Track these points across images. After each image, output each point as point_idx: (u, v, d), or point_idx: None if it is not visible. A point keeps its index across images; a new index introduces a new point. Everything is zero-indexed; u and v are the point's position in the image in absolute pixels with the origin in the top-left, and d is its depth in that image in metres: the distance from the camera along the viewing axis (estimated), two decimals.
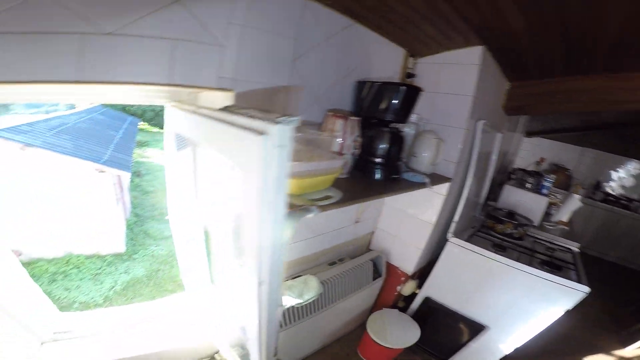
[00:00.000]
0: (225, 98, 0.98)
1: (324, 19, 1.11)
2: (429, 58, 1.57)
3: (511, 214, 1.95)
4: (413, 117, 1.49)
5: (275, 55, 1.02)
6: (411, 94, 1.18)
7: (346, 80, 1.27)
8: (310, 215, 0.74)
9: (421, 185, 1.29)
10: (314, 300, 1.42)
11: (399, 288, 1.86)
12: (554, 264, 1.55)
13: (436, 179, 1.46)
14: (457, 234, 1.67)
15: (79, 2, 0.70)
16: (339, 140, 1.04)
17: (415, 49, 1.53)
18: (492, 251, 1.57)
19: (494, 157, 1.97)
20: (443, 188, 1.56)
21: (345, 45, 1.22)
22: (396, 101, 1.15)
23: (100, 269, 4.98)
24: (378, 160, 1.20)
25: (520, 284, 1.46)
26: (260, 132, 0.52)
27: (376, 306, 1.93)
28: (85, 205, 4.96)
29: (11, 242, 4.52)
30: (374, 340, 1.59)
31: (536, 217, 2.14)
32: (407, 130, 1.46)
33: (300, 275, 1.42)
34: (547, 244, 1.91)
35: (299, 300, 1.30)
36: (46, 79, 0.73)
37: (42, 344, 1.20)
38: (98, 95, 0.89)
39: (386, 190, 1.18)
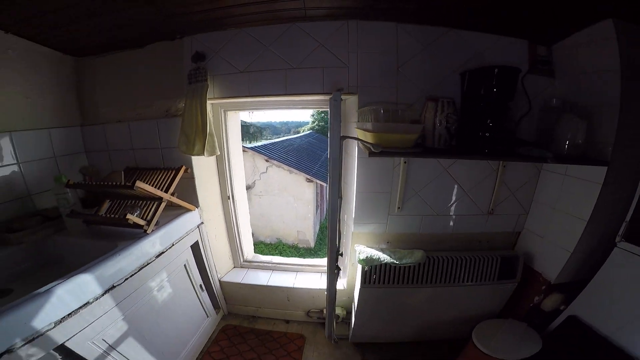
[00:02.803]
0: (353, 99, 1.55)
1: (418, 33, 1.45)
2: (561, 43, 1.47)
3: None
4: (554, 101, 1.43)
5: (383, 67, 1.48)
6: (504, 75, 1.27)
7: (455, 74, 1.47)
8: (375, 151, 1.12)
9: (538, 159, 1.25)
10: (417, 274, 1.60)
11: (536, 299, 1.60)
12: None
13: (581, 161, 1.32)
14: (631, 239, 1.31)
15: (280, 52, 1.51)
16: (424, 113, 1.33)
17: (539, 38, 1.49)
18: None
19: None
20: (597, 174, 1.32)
21: (447, 48, 1.47)
22: (491, 83, 1.28)
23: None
24: (481, 134, 1.32)
25: None
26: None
27: (505, 316, 1.76)
28: (295, 206, 7.15)
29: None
30: (474, 344, 1.49)
31: None
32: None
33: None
34: None
35: (395, 262, 1.55)
36: (273, 93, 1.58)
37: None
38: (290, 104, 1.71)
39: (472, 156, 1.31)
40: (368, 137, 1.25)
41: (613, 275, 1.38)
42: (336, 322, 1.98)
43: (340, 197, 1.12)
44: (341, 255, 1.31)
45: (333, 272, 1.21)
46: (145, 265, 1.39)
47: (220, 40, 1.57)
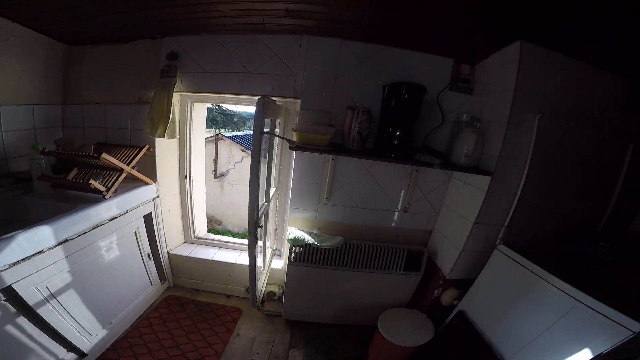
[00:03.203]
0: (298, 102, 1.86)
1: (357, 49, 1.75)
2: (483, 62, 1.72)
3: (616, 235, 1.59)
4: (464, 116, 1.70)
5: (324, 77, 1.79)
6: (411, 91, 1.58)
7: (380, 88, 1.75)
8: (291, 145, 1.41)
9: (426, 164, 1.56)
10: (337, 257, 1.88)
11: (436, 292, 1.88)
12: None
13: (465, 170, 1.62)
14: (510, 244, 1.60)
15: (241, 58, 1.83)
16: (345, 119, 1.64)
17: (464, 57, 1.76)
18: (541, 266, 1.38)
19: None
20: (484, 183, 1.59)
21: (380, 64, 1.76)
22: (400, 96, 1.60)
23: None
24: (391, 141, 1.62)
25: (555, 310, 1.26)
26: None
27: (412, 307, 2.03)
28: None
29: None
30: (378, 330, 1.73)
31: None
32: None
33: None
34: None
35: (317, 243, 1.83)
36: (230, 92, 1.88)
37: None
38: (246, 101, 2.02)
39: (372, 156, 1.62)
40: (294, 135, 1.55)
41: (492, 275, 1.62)
42: (272, 300, 2.22)
43: (258, 177, 1.38)
44: (260, 227, 1.57)
45: (252, 239, 1.46)
46: (98, 226, 1.62)
47: (193, 43, 1.88)
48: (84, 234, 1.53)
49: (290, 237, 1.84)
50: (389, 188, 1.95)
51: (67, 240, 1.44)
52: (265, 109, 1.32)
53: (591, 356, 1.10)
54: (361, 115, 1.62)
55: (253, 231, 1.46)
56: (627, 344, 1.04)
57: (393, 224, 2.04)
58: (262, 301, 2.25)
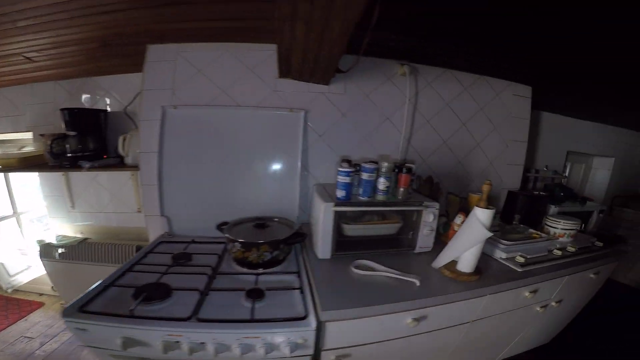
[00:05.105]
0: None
1: (67, 85, 2.23)
2: None
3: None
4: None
5: (47, 111, 2.28)
6: (67, 113, 2.02)
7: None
8: None
9: (80, 168, 1.98)
10: (80, 253, 2.32)
11: None
12: None
13: (131, 168, 2.05)
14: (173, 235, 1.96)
15: None
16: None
17: None
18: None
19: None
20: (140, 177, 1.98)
21: (86, 91, 2.23)
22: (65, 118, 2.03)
23: None
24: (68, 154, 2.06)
25: None
26: None
27: None
28: None
29: None
30: None
31: None
32: None
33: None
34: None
35: (54, 242, 2.30)
36: None
37: None
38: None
39: (47, 169, 2.07)
40: None
41: None
42: None
43: None
44: None
45: None
46: None
47: None
48: None
49: (37, 240, 2.36)
50: (118, 192, 2.38)
51: None
52: None
53: None
54: (48, 138, 2.08)
55: None
56: None
57: (134, 224, 2.43)
58: None
